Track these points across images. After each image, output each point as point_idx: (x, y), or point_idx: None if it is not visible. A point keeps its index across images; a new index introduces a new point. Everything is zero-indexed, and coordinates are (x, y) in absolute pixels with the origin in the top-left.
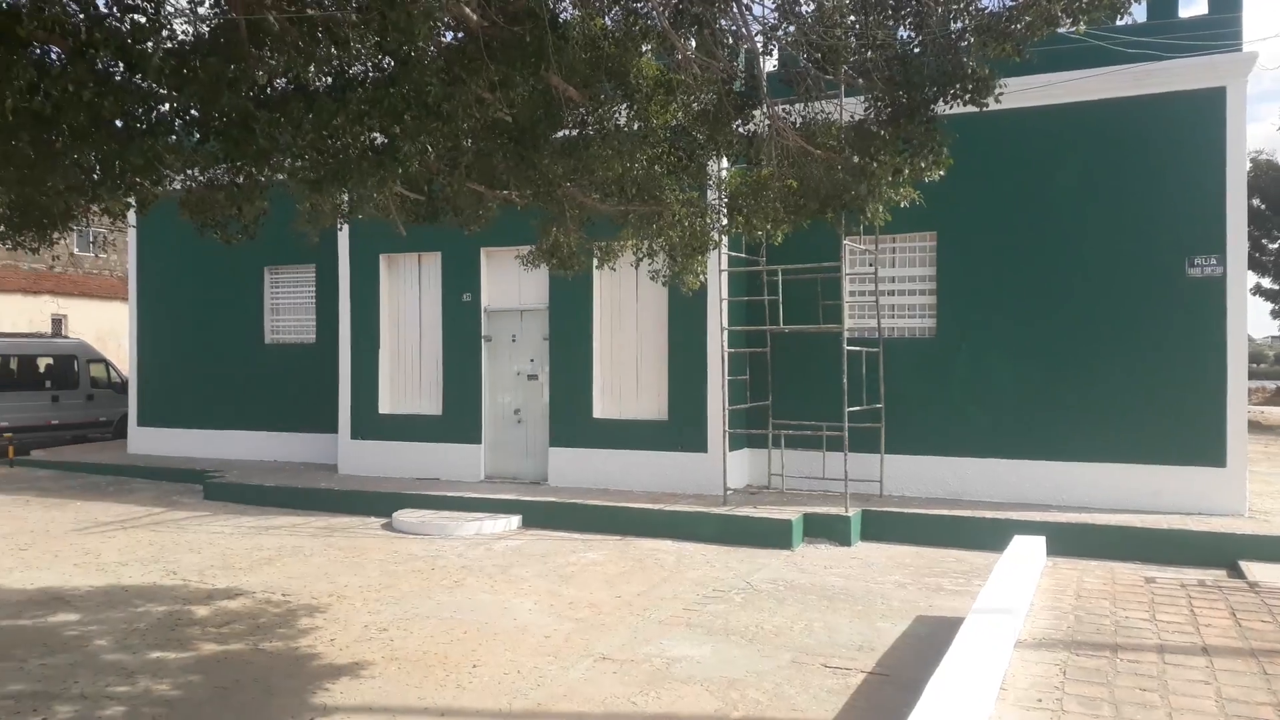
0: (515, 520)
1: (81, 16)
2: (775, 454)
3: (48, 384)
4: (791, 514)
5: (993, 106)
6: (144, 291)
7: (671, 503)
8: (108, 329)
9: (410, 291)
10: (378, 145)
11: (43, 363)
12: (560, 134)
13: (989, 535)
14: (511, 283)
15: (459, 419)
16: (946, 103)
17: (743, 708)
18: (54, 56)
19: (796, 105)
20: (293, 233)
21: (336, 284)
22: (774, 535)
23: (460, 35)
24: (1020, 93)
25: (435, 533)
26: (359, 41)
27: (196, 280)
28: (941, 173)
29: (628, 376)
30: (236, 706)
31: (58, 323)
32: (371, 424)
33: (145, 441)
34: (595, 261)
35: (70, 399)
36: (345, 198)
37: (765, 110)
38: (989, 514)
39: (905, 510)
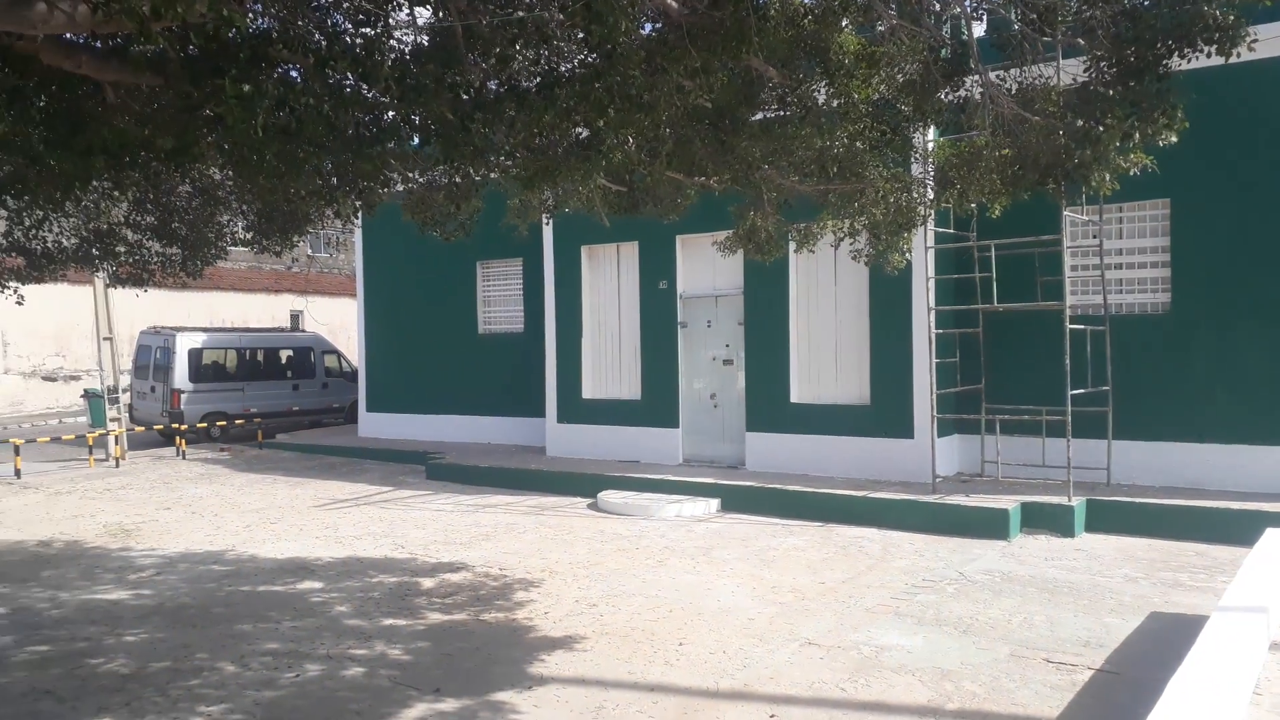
0: (714, 503)
1: (319, 36)
2: (989, 440)
3: (289, 374)
4: (1008, 503)
5: (1240, 58)
6: (370, 288)
7: (875, 490)
8: (338, 323)
9: (610, 280)
10: (583, 140)
11: (284, 354)
12: (758, 116)
13: (1235, 527)
14: (706, 269)
15: (657, 404)
16: (1183, 57)
17: (958, 700)
18: (295, 74)
19: (1011, 70)
20: (503, 228)
21: (542, 275)
22: (988, 524)
23: (660, 25)
24: (1270, 41)
25: (638, 513)
26: (565, 39)
27: (416, 276)
28: (1175, 137)
29: (826, 360)
30: (462, 673)
31: (295, 318)
32: (576, 408)
33: (373, 426)
34: (792, 246)
35: (308, 387)
36: (550, 192)
37: (978, 77)
38: (1234, 504)
39: (1136, 500)
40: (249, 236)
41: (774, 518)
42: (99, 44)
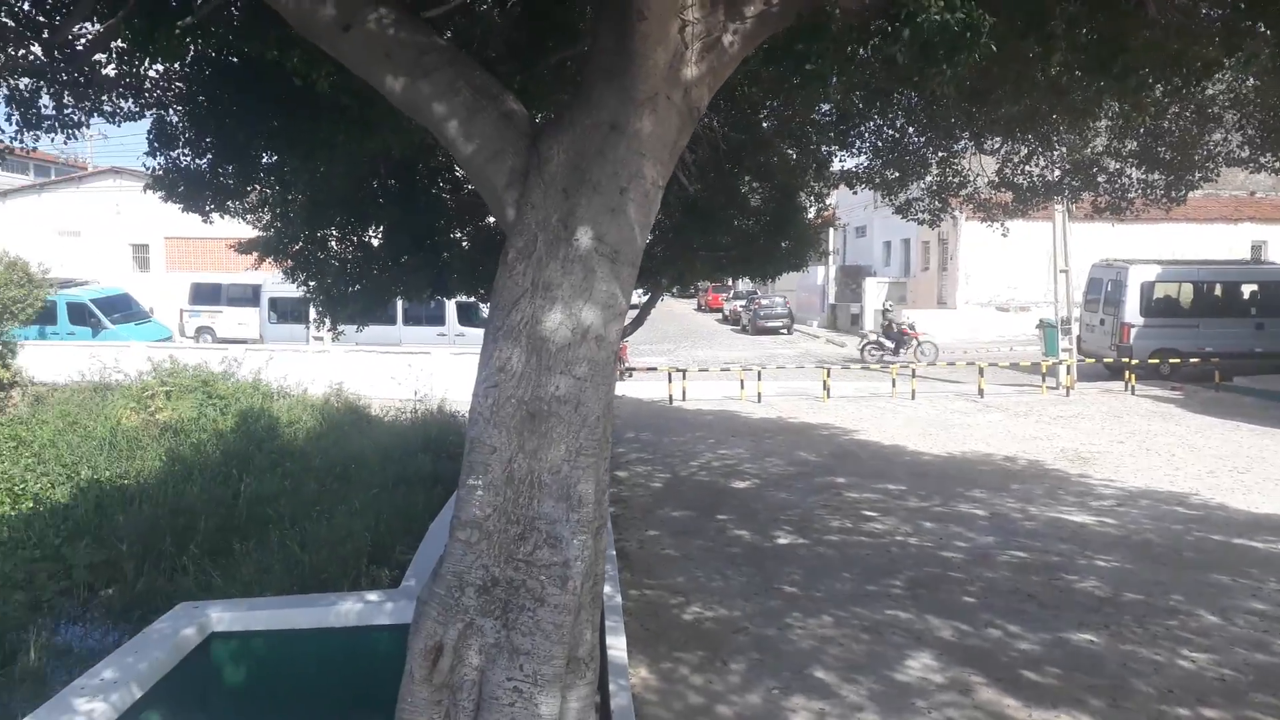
0: None
1: None
2: None
3: (1251, 311)
4: None
5: None
6: None
7: None
8: None
9: None
10: None
11: (1246, 290)
12: None
13: None
14: None
15: None
16: None
17: None
18: None
19: None
20: None
21: None
22: None
23: None
24: None
25: None
26: None
27: None
28: None
29: None
30: None
31: (1256, 249)
32: None
33: None
34: None
35: (1275, 327)
36: None
37: None
38: None
39: None
40: (1244, 154)
41: None
42: None
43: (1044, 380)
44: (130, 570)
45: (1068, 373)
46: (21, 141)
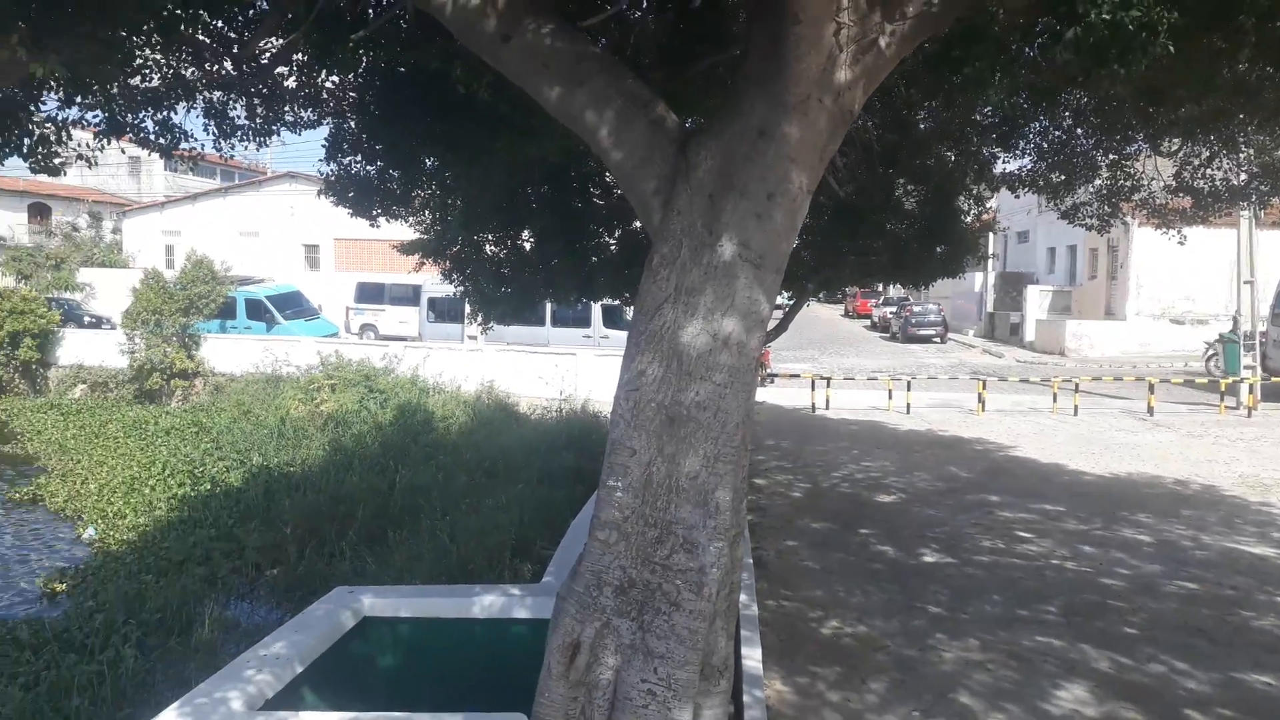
0: None
1: None
2: None
3: None
4: None
5: None
6: None
7: None
8: None
9: None
10: None
11: None
12: None
13: None
14: None
15: None
16: None
17: None
18: None
19: None
20: None
21: None
22: None
23: None
24: None
25: None
26: None
27: None
28: None
29: None
30: None
31: None
32: None
33: None
34: None
35: None
36: None
37: None
38: None
39: None
40: None
41: None
42: None
43: (1222, 399)
44: (293, 553)
45: (1250, 392)
46: (219, 150)
